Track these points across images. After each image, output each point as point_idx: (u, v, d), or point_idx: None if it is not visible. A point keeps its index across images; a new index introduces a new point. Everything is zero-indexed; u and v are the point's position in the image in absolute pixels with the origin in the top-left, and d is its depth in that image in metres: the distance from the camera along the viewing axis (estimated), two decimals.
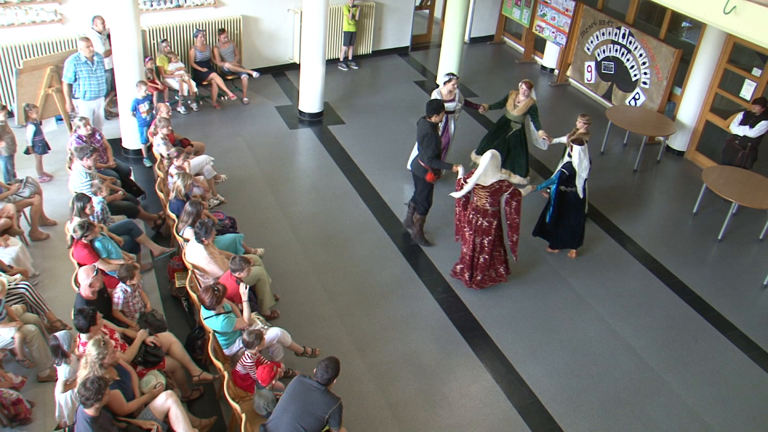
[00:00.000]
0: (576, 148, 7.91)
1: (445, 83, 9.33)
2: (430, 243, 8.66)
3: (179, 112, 11.14)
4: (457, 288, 7.99)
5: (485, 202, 7.43)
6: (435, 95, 9.26)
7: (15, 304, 6.34)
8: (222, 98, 11.58)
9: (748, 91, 10.18)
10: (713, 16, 6.80)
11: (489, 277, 7.96)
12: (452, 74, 9.43)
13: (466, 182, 7.43)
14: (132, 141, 9.76)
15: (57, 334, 5.43)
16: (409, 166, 9.52)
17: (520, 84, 9.39)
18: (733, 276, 8.67)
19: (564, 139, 8.97)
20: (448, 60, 12.65)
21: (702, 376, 7.10)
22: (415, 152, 9.15)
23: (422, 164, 8.09)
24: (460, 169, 7.68)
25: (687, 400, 6.79)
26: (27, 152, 8.87)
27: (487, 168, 7.23)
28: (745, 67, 10.38)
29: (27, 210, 7.98)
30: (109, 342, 5.23)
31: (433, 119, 8.04)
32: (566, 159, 8.28)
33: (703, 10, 6.95)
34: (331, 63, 12.93)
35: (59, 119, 10.19)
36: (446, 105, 9.09)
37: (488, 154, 7.25)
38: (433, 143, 7.93)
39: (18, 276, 6.61)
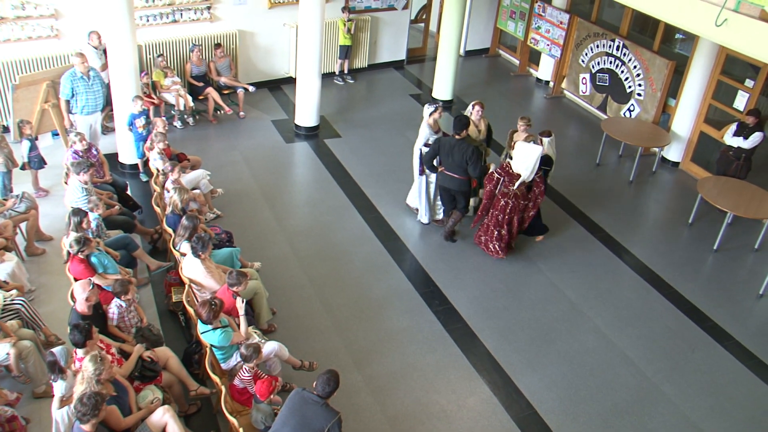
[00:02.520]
0: (545, 140, 8.54)
1: (431, 114, 8.92)
2: (455, 239, 9.01)
3: (175, 126, 11.16)
4: (454, 300, 7.99)
5: (523, 188, 8.33)
6: (424, 128, 8.90)
7: (10, 319, 6.32)
8: (218, 112, 11.61)
9: (741, 102, 10.24)
10: (705, 29, 6.85)
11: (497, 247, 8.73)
12: (437, 102, 9.11)
13: (500, 174, 8.29)
14: (128, 156, 9.77)
15: (54, 350, 5.42)
16: (419, 206, 9.30)
17: (473, 107, 9.21)
18: (729, 286, 8.69)
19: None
20: (444, 73, 12.72)
21: (699, 386, 7.10)
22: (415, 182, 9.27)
23: (464, 179, 8.37)
24: (492, 167, 8.63)
25: (684, 410, 6.78)
26: (23, 168, 8.87)
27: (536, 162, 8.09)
28: (738, 78, 10.45)
29: (23, 225, 7.97)
30: (106, 357, 5.22)
31: (463, 135, 8.20)
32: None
33: (696, 22, 7.00)
34: (327, 77, 12.97)
35: (55, 134, 10.21)
36: (431, 138, 8.87)
37: (539, 149, 7.98)
38: (478, 156, 8.24)
39: (14, 291, 6.59)
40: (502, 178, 8.31)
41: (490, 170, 8.49)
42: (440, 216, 9.25)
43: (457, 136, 8.21)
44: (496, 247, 8.64)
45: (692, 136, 11.13)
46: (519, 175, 8.19)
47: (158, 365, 5.92)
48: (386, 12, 13.82)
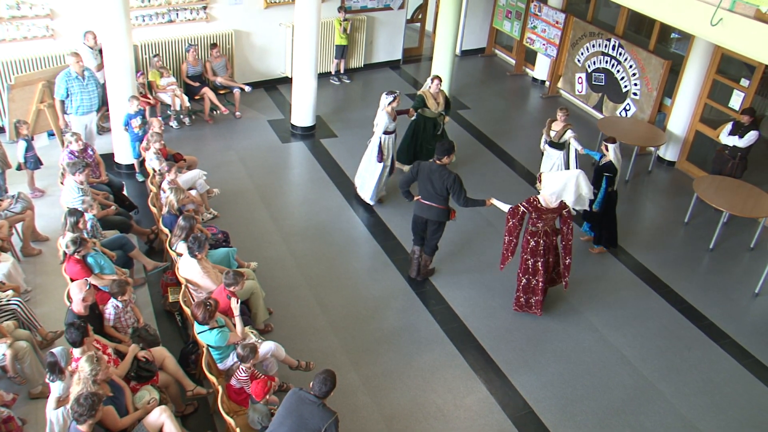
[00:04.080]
0: (611, 146, 8.42)
1: (390, 103, 9.04)
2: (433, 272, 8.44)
3: (171, 126, 11.15)
4: (450, 300, 8.00)
5: (552, 224, 7.51)
6: (383, 116, 9.03)
7: (6, 320, 6.31)
8: (214, 112, 11.59)
9: (736, 101, 10.27)
10: (701, 28, 6.88)
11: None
12: (396, 92, 9.24)
13: (526, 208, 7.34)
14: (124, 156, 9.76)
15: (54, 350, 5.41)
16: (369, 199, 9.52)
17: (432, 81, 9.73)
18: (725, 285, 8.71)
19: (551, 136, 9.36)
20: (440, 72, 12.61)
21: (695, 385, 7.12)
22: (364, 183, 9.43)
23: (443, 207, 7.65)
24: (494, 201, 7.67)
25: (681, 409, 6.80)
26: (19, 168, 8.85)
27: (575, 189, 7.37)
28: (734, 77, 10.48)
29: (19, 225, 7.95)
30: (102, 358, 5.21)
31: (444, 161, 7.53)
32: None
33: (691, 22, 7.02)
34: (323, 76, 12.96)
35: (51, 134, 10.18)
36: (389, 126, 9.13)
37: (574, 174, 7.35)
38: (460, 184, 7.48)
39: (10, 292, 6.59)
40: (528, 214, 7.37)
41: (505, 207, 7.50)
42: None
43: (438, 162, 7.52)
44: (530, 302, 7.79)
45: (688, 136, 11.16)
46: (550, 209, 7.33)
47: (154, 365, 5.91)
48: (382, 12, 13.82)
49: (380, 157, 9.16)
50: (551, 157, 9.52)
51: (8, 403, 5.87)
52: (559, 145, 9.38)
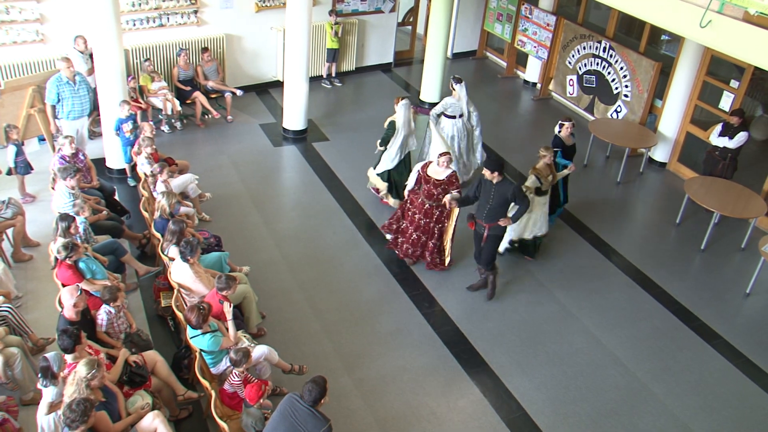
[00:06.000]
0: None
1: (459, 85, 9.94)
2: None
3: (163, 131, 11.12)
4: (443, 302, 8.00)
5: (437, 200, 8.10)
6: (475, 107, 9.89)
7: None
8: (206, 117, 11.57)
9: (726, 102, 10.32)
10: (690, 30, 6.91)
11: (417, 255, 8.52)
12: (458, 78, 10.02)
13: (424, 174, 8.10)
14: (116, 160, 9.72)
15: (47, 355, 5.39)
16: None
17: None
18: (717, 285, 8.75)
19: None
20: (431, 76, 12.74)
21: (688, 385, 7.15)
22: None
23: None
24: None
25: (674, 410, 6.82)
26: (9, 173, 8.81)
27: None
28: (723, 79, 10.54)
29: (9, 231, 7.91)
30: (103, 364, 5.18)
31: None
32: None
33: (681, 24, 7.07)
34: (314, 80, 12.96)
35: (41, 139, 10.14)
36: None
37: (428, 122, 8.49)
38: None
39: (0, 298, 6.55)
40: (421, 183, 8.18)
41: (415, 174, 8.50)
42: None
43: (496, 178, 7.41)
44: (396, 240, 8.65)
45: (679, 137, 11.21)
46: (439, 180, 7.83)
47: (146, 369, 5.88)
48: (373, 15, 13.84)
49: None
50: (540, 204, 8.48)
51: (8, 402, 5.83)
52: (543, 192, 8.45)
